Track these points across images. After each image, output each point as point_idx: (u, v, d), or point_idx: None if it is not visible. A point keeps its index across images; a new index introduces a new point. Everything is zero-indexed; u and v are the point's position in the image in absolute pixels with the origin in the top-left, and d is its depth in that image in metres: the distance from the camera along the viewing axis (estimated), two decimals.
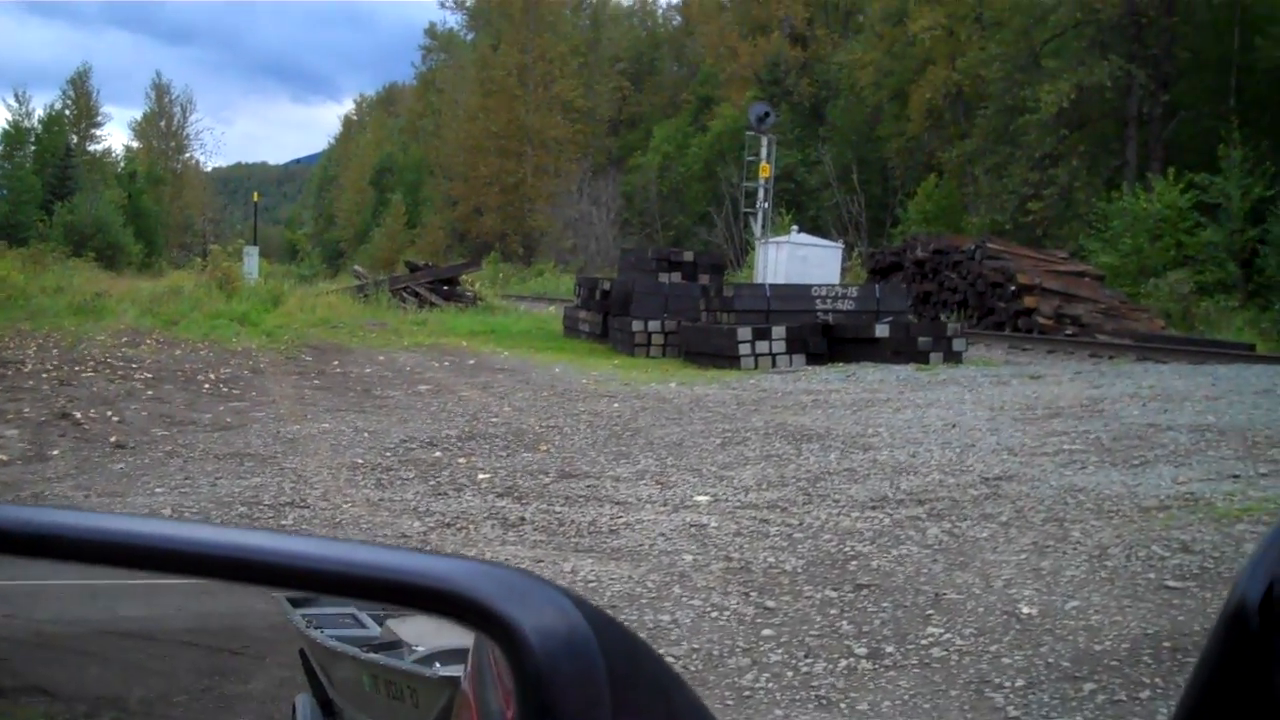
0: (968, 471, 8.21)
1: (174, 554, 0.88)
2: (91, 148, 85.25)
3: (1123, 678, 4.44)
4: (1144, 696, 4.28)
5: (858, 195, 45.91)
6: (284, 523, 7.14)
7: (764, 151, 27.67)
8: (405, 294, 27.66)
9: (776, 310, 17.84)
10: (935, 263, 27.45)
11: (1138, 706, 4.20)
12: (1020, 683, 4.45)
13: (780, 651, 4.90)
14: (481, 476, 8.51)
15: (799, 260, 23.70)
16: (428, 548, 6.19)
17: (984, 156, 43.00)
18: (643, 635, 3.25)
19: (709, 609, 5.45)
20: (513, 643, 0.77)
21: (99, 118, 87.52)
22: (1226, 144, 30.71)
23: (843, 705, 4.37)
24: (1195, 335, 22.94)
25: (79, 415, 11.01)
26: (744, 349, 16.83)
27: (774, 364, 16.86)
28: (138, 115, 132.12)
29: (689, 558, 6.26)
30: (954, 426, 10.24)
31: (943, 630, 5.04)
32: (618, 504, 7.60)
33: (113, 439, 9.97)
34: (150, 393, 12.73)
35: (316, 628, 1.99)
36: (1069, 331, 23.08)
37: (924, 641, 4.94)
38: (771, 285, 19.87)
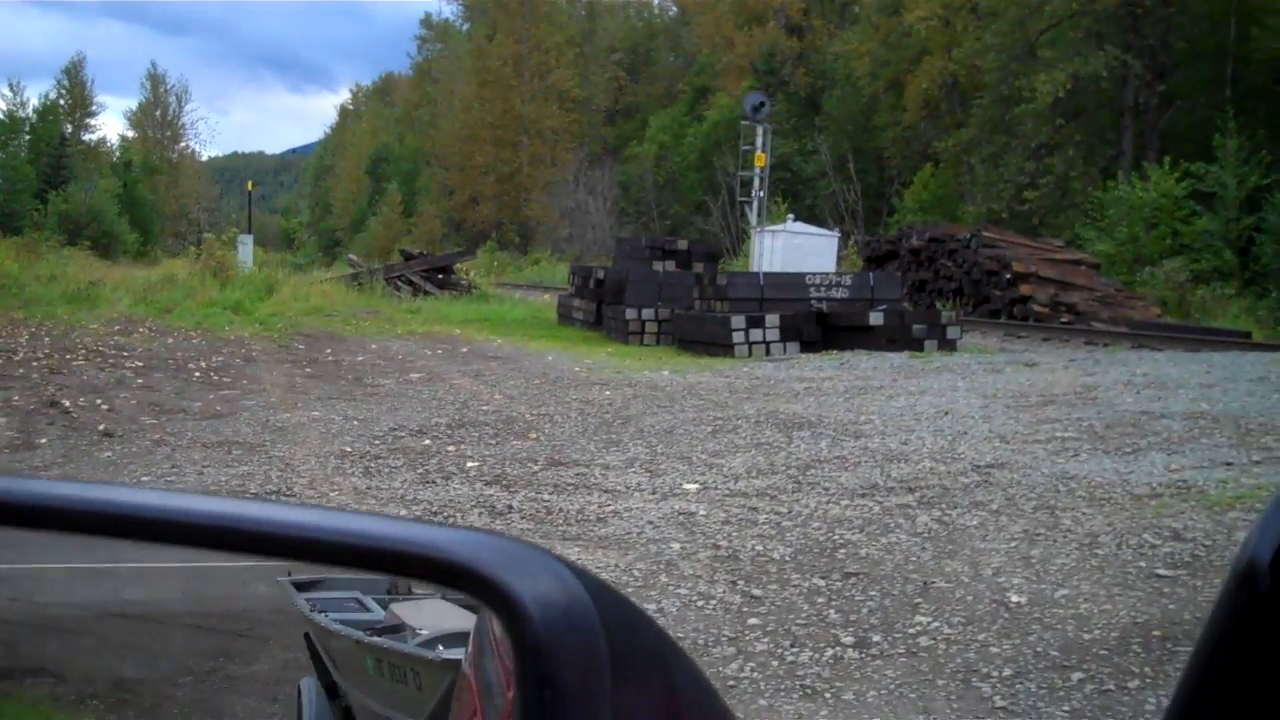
0: (959, 459, 8.17)
1: (168, 524, 0.87)
2: (86, 137, 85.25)
3: (1111, 667, 4.39)
4: (1133, 686, 4.22)
5: (854, 184, 45.76)
6: None
7: (759, 141, 27.56)
8: (400, 282, 27.60)
9: (770, 298, 17.80)
10: (931, 251, 27.39)
11: (1126, 697, 4.15)
12: (1008, 672, 4.40)
13: (766, 640, 4.84)
14: (470, 465, 8.46)
15: (795, 249, 23.67)
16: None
17: (980, 146, 42.85)
18: None
19: (695, 597, 5.40)
20: (512, 612, 0.76)
21: (94, 107, 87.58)
22: (1222, 133, 30.62)
23: (828, 695, 4.31)
24: (1191, 323, 22.89)
25: (68, 404, 10.95)
26: (737, 337, 16.79)
27: (768, 352, 16.81)
28: (133, 105, 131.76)
29: (677, 546, 6.21)
30: (946, 414, 10.19)
31: (931, 619, 4.99)
32: (606, 492, 7.55)
33: (101, 427, 9.91)
34: (140, 381, 12.67)
35: (321, 611, 1.99)
36: (1064, 319, 23.03)
37: (911, 630, 4.88)
38: (765, 273, 19.85)
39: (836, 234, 28.03)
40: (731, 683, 4.44)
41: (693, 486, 7.66)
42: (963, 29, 45.34)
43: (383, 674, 1.88)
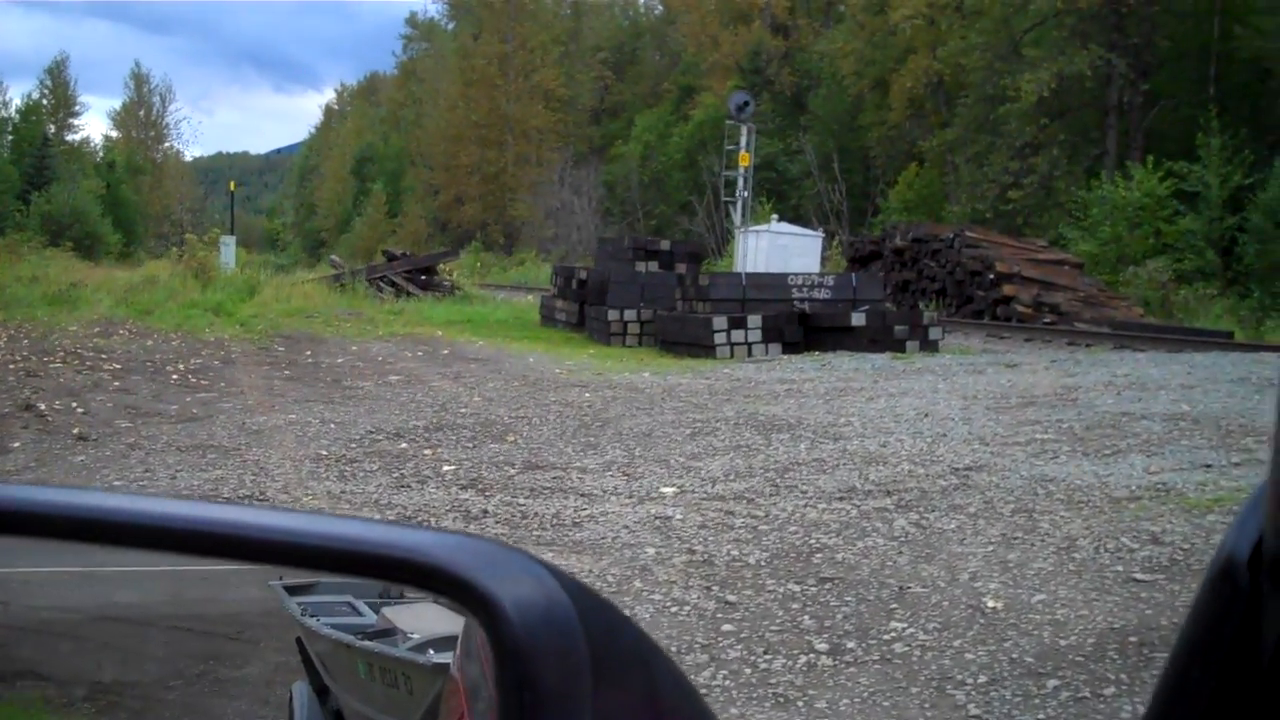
0: (938, 461, 8.12)
1: (145, 529, 0.86)
2: (69, 137, 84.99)
3: (1087, 674, 4.34)
4: (1108, 693, 4.18)
5: (839, 184, 45.75)
6: None
7: (744, 140, 27.52)
8: (382, 283, 27.48)
9: (753, 299, 17.75)
10: (914, 251, 27.39)
11: (1101, 704, 4.10)
12: (983, 679, 4.35)
13: (739, 648, 4.79)
14: (446, 468, 8.39)
15: (779, 249, 23.63)
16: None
17: (965, 145, 42.90)
18: None
19: (669, 603, 5.34)
20: (491, 615, 0.76)
21: (77, 107, 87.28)
22: (1205, 132, 30.69)
23: (800, 704, 4.26)
24: (1173, 323, 22.91)
25: (43, 407, 10.85)
26: (719, 338, 16.75)
27: (750, 353, 16.77)
28: (117, 105, 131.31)
29: (651, 551, 6.15)
30: (926, 416, 10.15)
31: (906, 625, 4.94)
32: (583, 496, 7.48)
33: (75, 431, 9.81)
34: (117, 384, 12.56)
35: (312, 616, 1.99)
36: (1047, 320, 23.04)
37: (886, 637, 4.83)
38: (748, 274, 19.79)
39: (821, 234, 27.99)
40: (703, 691, 4.36)
41: (670, 490, 7.60)
42: (948, 28, 45.39)
43: (374, 678, 1.88)
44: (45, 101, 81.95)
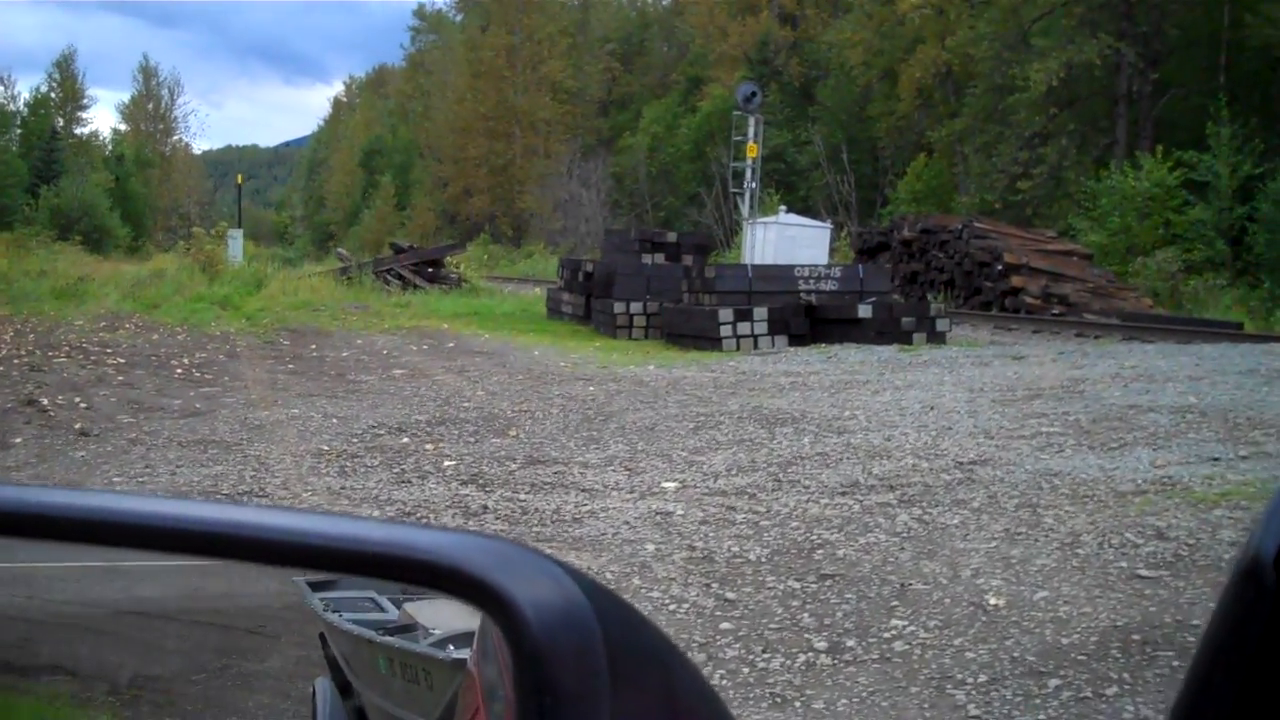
0: (942, 455, 8.05)
1: (155, 531, 0.86)
2: (78, 131, 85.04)
3: (1089, 673, 4.28)
4: (1110, 693, 4.11)
5: (848, 175, 45.63)
6: None
7: (751, 131, 27.45)
8: (389, 276, 27.45)
9: (759, 291, 17.69)
10: (922, 242, 27.27)
11: (1104, 704, 4.04)
12: (983, 678, 4.29)
13: (738, 646, 4.73)
14: (447, 463, 8.34)
15: (787, 240, 23.56)
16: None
17: (974, 135, 42.77)
18: None
19: (667, 601, 5.28)
20: (508, 616, 0.76)
21: (85, 100, 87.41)
22: (1215, 121, 30.51)
23: (798, 704, 4.21)
24: (1183, 314, 22.80)
25: (46, 402, 10.85)
26: (725, 330, 16.68)
27: (755, 345, 16.70)
28: (126, 98, 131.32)
29: (651, 547, 6.09)
30: (932, 409, 10.08)
31: (906, 623, 4.88)
32: (584, 491, 7.43)
33: (77, 426, 9.80)
34: (121, 378, 12.55)
35: (335, 611, 2.02)
36: (1056, 311, 22.91)
37: (886, 635, 4.78)
38: (754, 266, 19.73)
39: (829, 225, 27.93)
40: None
41: (671, 485, 7.55)
42: (956, 17, 45.20)
43: (394, 674, 1.89)
44: (54, 95, 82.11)
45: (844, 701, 4.19)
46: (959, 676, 4.32)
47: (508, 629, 0.76)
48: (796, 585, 5.42)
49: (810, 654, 4.63)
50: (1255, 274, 27.79)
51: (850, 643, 4.72)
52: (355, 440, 9.26)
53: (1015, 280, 23.84)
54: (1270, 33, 33.02)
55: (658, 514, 6.76)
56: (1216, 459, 7.49)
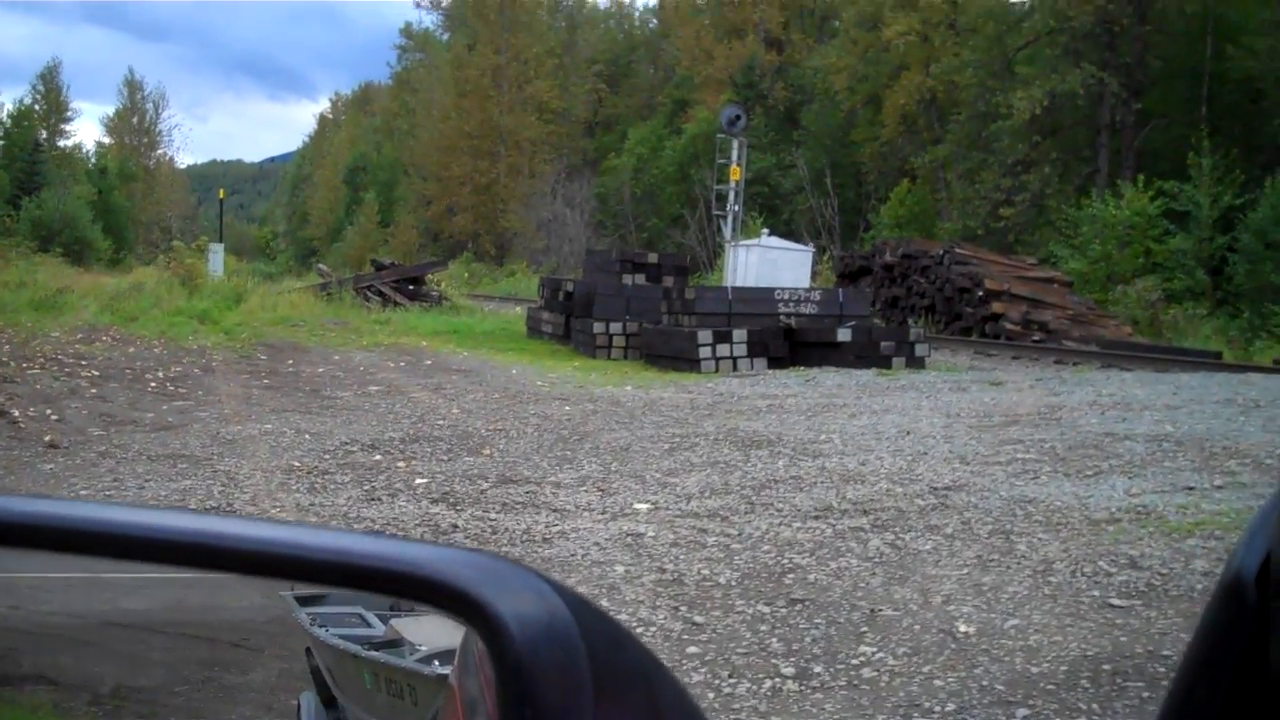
0: (917, 480, 8.01)
1: (140, 541, 0.85)
2: (61, 143, 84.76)
3: (1058, 703, 4.23)
4: None
5: (831, 199, 45.76)
6: None
7: (735, 154, 27.48)
8: (370, 293, 27.37)
9: (739, 313, 17.66)
10: (904, 267, 27.33)
11: None
12: (951, 707, 4.23)
13: (704, 671, 4.67)
14: (419, 481, 8.26)
15: (769, 263, 23.54)
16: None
17: (957, 162, 42.99)
18: None
19: (635, 624, 5.21)
20: (492, 630, 0.75)
21: (69, 113, 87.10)
22: (1197, 152, 30.68)
23: None
24: (1162, 343, 22.84)
25: (17, 414, 10.72)
26: (704, 352, 16.64)
27: (735, 367, 16.67)
28: (110, 111, 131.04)
29: (621, 569, 6.02)
30: (908, 434, 10.04)
31: (875, 649, 4.82)
32: (555, 511, 7.36)
33: (47, 438, 9.69)
34: (94, 391, 12.44)
35: (321, 626, 2.00)
36: (1036, 338, 22.96)
37: (855, 661, 4.71)
38: (734, 288, 19.71)
39: (811, 249, 27.93)
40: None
41: (644, 506, 7.48)
42: (941, 45, 45.47)
43: (379, 689, 1.88)
44: (37, 107, 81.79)
45: None
46: (926, 705, 4.26)
47: (491, 643, 0.76)
48: (766, 609, 5.36)
49: (777, 679, 4.56)
50: (1235, 304, 27.91)
51: (818, 669, 4.65)
52: (327, 457, 9.18)
53: (996, 306, 23.90)
54: (1252, 65, 33.27)
55: (629, 535, 6.69)
56: (1191, 488, 7.47)
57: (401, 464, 8.92)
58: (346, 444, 9.75)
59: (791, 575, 5.86)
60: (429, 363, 16.87)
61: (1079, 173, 39.40)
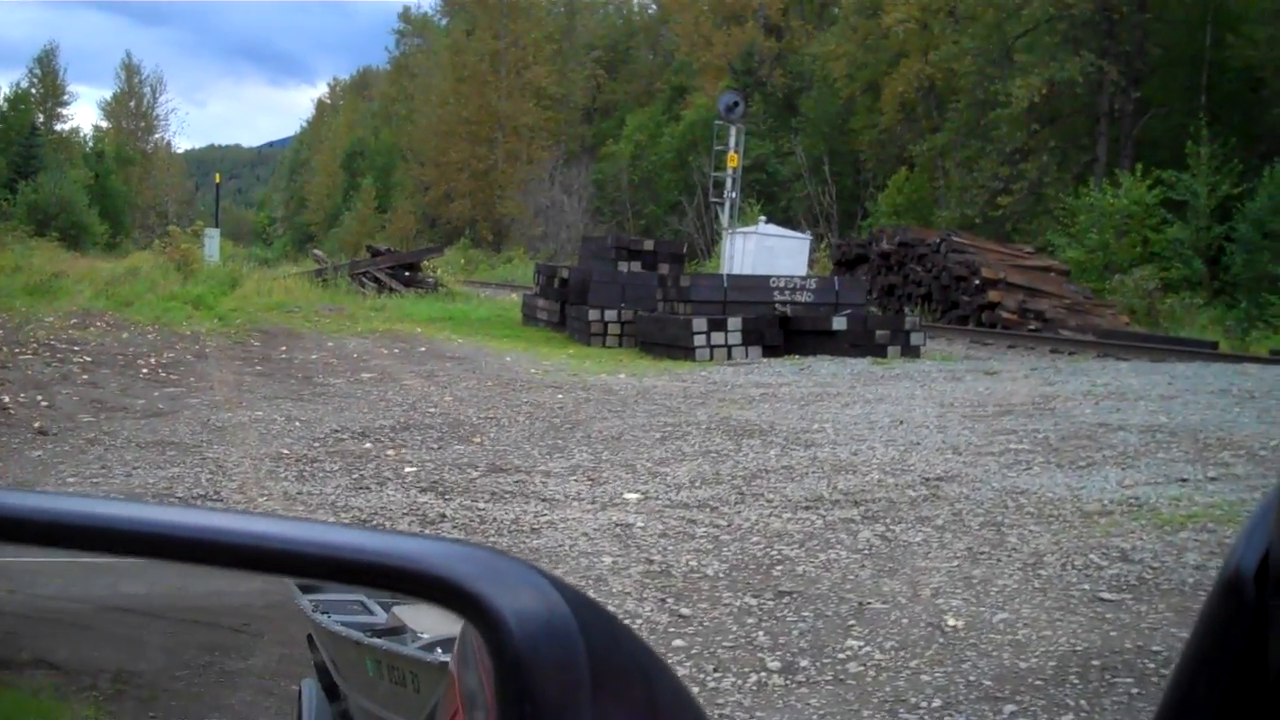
0: (909, 471, 7.96)
1: (134, 536, 0.84)
2: (58, 127, 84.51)
3: (1046, 699, 4.18)
4: None
5: (829, 187, 45.66)
6: None
7: (733, 141, 27.39)
8: (365, 279, 27.31)
9: (734, 301, 17.59)
10: (901, 255, 27.26)
11: None
12: (937, 703, 4.19)
13: (689, 664, 4.62)
14: (408, 470, 8.22)
15: (766, 251, 23.48)
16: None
17: (955, 150, 42.94)
18: None
19: (620, 616, 5.16)
20: (491, 625, 0.75)
21: (66, 97, 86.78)
22: (1195, 141, 30.62)
23: None
24: (1159, 332, 22.79)
25: (7, 399, 10.67)
26: (699, 340, 16.58)
27: (729, 356, 16.61)
28: (108, 95, 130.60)
29: (609, 560, 5.98)
30: (901, 423, 10.00)
31: (862, 643, 4.78)
32: (544, 500, 7.32)
33: (36, 425, 9.64)
34: (86, 377, 12.39)
35: (323, 613, 1.99)
36: (1032, 327, 22.91)
37: (841, 655, 4.67)
38: (730, 276, 19.65)
39: (808, 236, 27.86)
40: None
41: (634, 496, 7.44)
42: (940, 32, 45.37)
43: (382, 676, 1.86)
44: (34, 91, 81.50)
45: None
46: (912, 700, 4.22)
47: (490, 638, 0.75)
48: (753, 602, 5.32)
49: (762, 673, 4.52)
50: (1232, 294, 27.88)
51: (804, 663, 4.61)
52: (317, 444, 9.13)
53: (992, 295, 23.84)
54: (1251, 54, 33.19)
55: (618, 525, 6.64)
56: (1184, 480, 7.42)
57: (391, 452, 8.88)
58: (337, 431, 9.71)
59: (780, 567, 5.82)
60: (423, 349, 16.82)
61: (1077, 161, 39.34)
